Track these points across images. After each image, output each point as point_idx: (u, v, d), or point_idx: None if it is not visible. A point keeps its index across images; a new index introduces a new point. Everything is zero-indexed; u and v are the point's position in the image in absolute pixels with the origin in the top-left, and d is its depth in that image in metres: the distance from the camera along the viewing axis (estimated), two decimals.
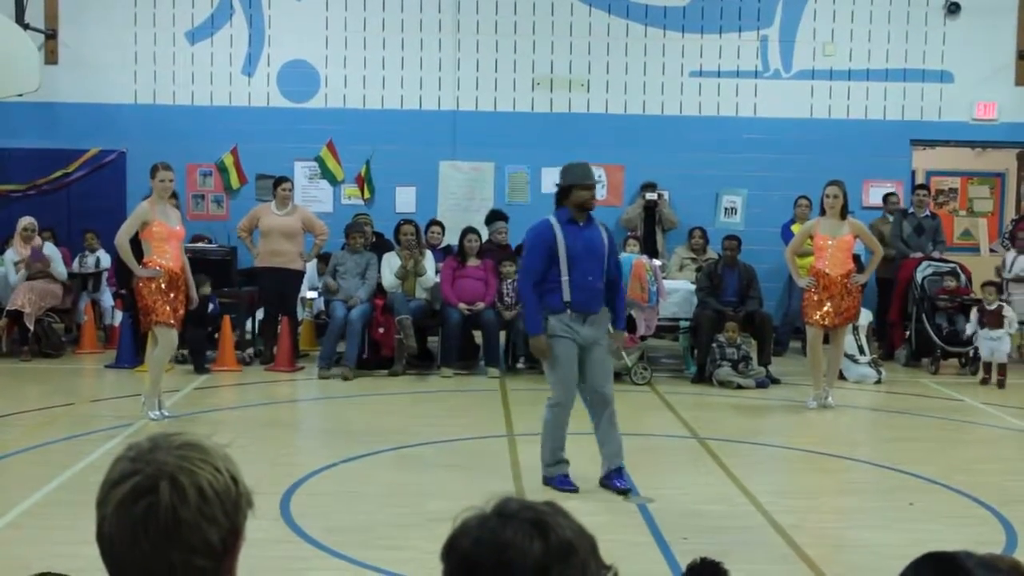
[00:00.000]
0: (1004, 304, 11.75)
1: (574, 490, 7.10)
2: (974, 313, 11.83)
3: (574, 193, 7.09)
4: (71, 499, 6.53)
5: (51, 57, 14.92)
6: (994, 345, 11.64)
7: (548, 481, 7.20)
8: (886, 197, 14.48)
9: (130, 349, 11.82)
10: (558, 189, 7.26)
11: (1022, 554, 5.88)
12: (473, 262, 12.20)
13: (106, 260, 13.60)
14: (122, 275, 11.82)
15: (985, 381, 11.70)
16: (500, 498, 1.65)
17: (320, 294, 13.00)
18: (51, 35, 14.90)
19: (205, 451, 1.72)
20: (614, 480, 7.17)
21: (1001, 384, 11.56)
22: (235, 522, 1.70)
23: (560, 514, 1.64)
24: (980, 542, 4.90)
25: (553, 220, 7.16)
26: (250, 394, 10.83)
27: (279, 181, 12.71)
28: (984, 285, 12.01)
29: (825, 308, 10.12)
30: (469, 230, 12.48)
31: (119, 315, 12.70)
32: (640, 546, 6.12)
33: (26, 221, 12.93)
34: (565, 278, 7.03)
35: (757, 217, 14.81)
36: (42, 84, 14.06)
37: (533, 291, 7.11)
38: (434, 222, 13.35)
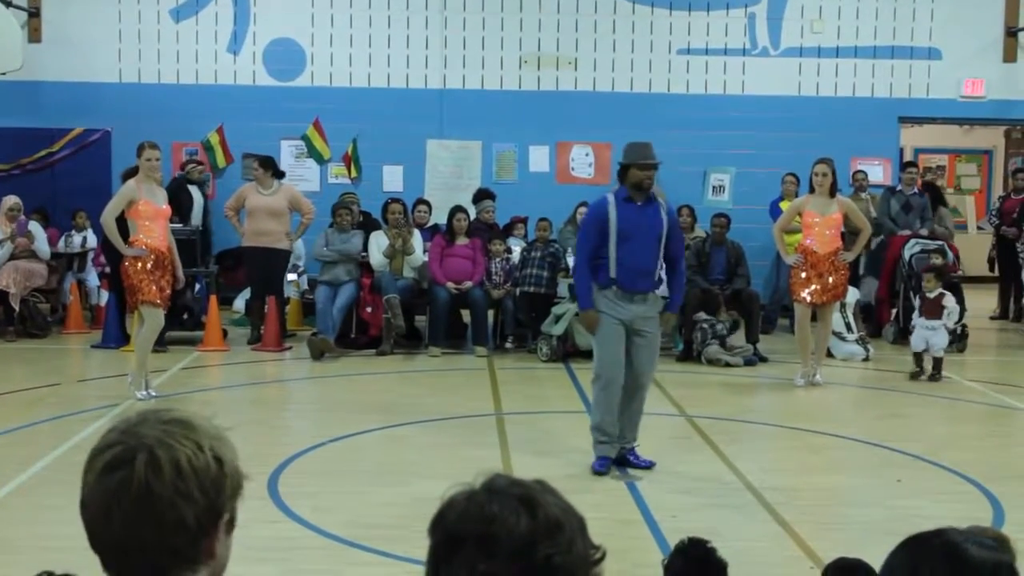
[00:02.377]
0: (946, 293, 10.90)
1: (603, 473, 7.10)
2: (918, 301, 11.04)
3: (631, 172, 7.08)
4: (58, 479, 6.49)
5: (34, 35, 14.82)
6: (929, 335, 10.61)
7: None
8: (854, 175, 14.42)
9: (116, 329, 11.78)
10: (620, 167, 7.25)
11: (1009, 529, 5.90)
12: (461, 240, 12.17)
13: (92, 240, 13.54)
14: (111, 254, 11.78)
15: (916, 375, 10.67)
16: (489, 474, 1.64)
17: (300, 274, 13.15)
18: (34, 13, 14.79)
19: (191, 428, 1.69)
20: (632, 457, 7.24)
21: (935, 378, 10.54)
22: (214, 502, 1.67)
23: (549, 492, 1.63)
24: (967, 518, 4.89)
25: (611, 197, 7.16)
26: (237, 374, 10.81)
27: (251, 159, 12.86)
28: (925, 271, 11.25)
29: (813, 286, 10.13)
30: (458, 209, 12.44)
31: (105, 295, 12.66)
32: (629, 524, 6.12)
33: (11, 201, 12.86)
34: (613, 255, 7.02)
35: (745, 195, 14.81)
36: (25, 63, 13.98)
37: (585, 266, 7.14)
38: (421, 201, 13.26)
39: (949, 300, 10.76)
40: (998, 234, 14.98)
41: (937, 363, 10.61)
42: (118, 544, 1.64)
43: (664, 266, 7.34)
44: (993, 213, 15.34)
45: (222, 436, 1.73)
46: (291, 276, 13.29)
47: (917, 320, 10.81)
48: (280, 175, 12.59)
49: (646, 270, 7.12)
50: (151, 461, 1.63)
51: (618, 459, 7.22)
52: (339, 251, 12.04)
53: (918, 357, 10.74)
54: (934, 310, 10.65)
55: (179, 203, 12.37)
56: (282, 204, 12.25)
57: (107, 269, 12.29)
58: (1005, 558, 1.97)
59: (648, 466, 7.19)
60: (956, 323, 11.39)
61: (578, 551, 1.58)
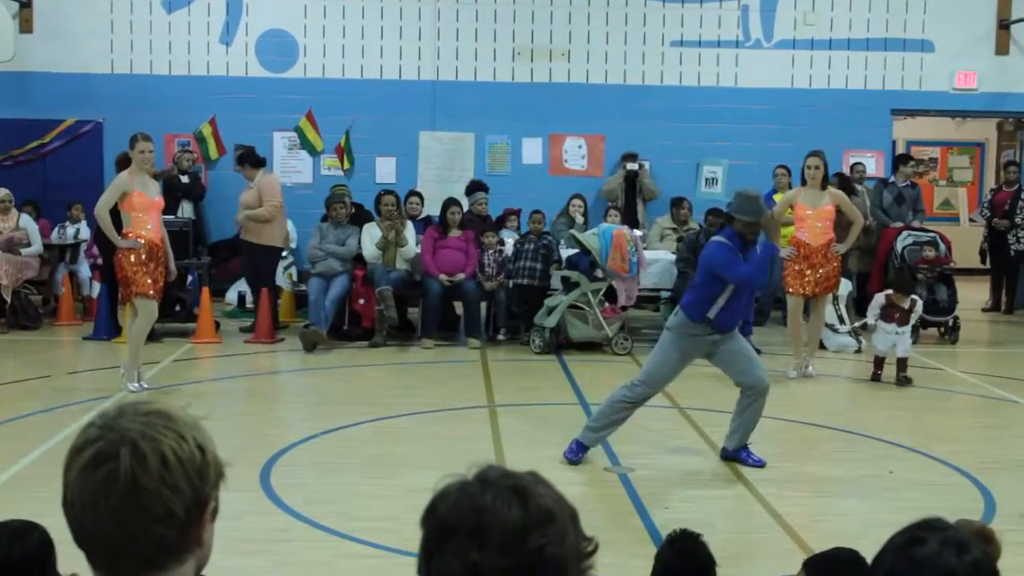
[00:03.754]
0: (916, 299, 10.40)
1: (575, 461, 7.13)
2: (876, 306, 10.32)
3: (739, 223, 7.12)
4: (49, 472, 6.42)
5: (26, 26, 14.75)
6: (897, 339, 10.07)
7: None
8: (853, 166, 14.45)
9: (107, 321, 11.75)
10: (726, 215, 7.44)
11: (1000, 521, 5.92)
12: (454, 232, 12.15)
13: (85, 232, 13.51)
14: (103, 245, 11.76)
15: (876, 377, 10.18)
16: (481, 466, 1.64)
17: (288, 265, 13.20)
18: (26, 3, 14.72)
19: (171, 419, 1.68)
20: (745, 455, 7.26)
21: (904, 382, 9.98)
22: (200, 491, 1.67)
23: (541, 483, 1.62)
24: (959, 509, 4.90)
25: (728, 244, 7.11)
26: (230, 366, 10.79)
27: None
28: (894, 287, 10.46)
29: (806, 278, 10.16)
30: (452, 202, 12.40)
31: (97, 287, 12.63)
32: (621, 515, 6.13)
33: (1, 193, 12.83)
34: (722, 301, 6.98)
35: (738, 187, 14.76)
36: (17, 53, 13.93)
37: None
38: (413, 193, 13.21)
39: (918, 304, 10.38)
40: (990, 226, 15.01)
41: (902, 363, 10.07)
42: (106, 539, 1.64)
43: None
44: (985, 206, 15.37)
45: (200, 425, 1.72)
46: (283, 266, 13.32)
47: (882, 324, 10.18)
48: (257, 164, 12.39)
49: (741, 315, 7.33)
50: (136, 454, 1.62)
51: (730, 455, 7.25)
52: (331, 253, 11.94)
53: (880, 361, 10.23)
54: (906, 318, 10.20)
55: (168, 187, 12.38)
56: (253, 198, 12.15)
57: (99, 261, 12.26)
58: (985, 560, 1.98)
59: (762, 464, 7.16)
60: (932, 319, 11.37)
61: (570, 542, 1.58)
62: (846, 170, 14.12)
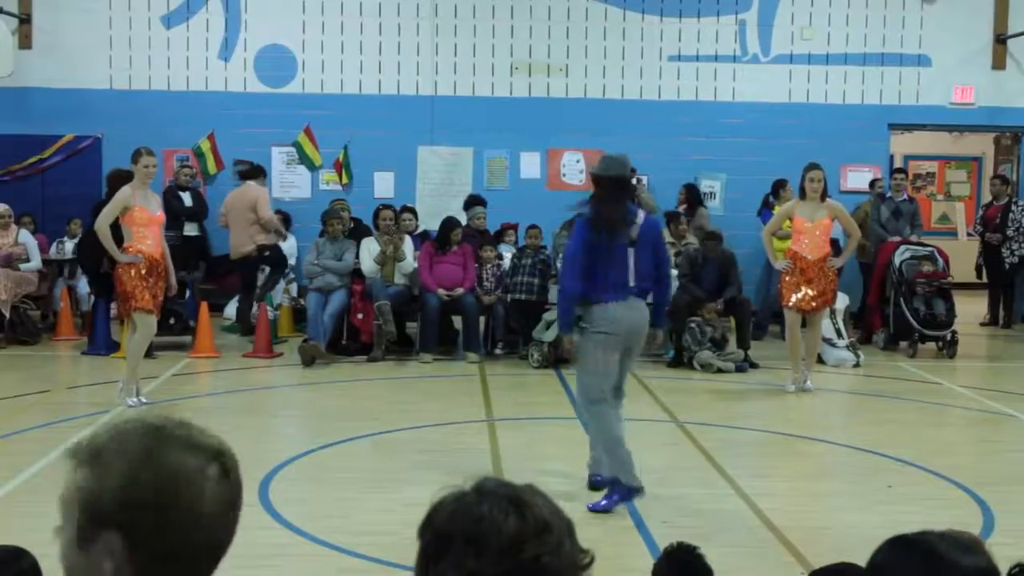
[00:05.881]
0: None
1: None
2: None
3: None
4: (48, 487, 6.46)
5: (25, 42, 14.79)
6: None
7: None
8: (873, 182, 14.55)
9: (106, 335, 11.76)
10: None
11: (1000, 535, 5.92)
12: (451, 247, 12.15)
13: None
14: (89, 259, 11.84)
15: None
16: (479, 477, 1.65)
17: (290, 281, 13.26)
18: (25, 19, 14.76)
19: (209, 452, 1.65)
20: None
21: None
22: (234, 525, 1.69)
23: (538, 495, 1.63)
24: (957, 523, 4.89)
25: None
26: (228, 381, 10.79)
27: None
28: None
29: (801, 291, 10.14)
30: (455, 223, 12.28)
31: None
32: (620, 530, 6.12)
33: (0, 208, 12.84)
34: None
35: (736, 202, 14.83)
36: (16, 69, 13.97)
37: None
38: (406, 208, 13.04)
39: None
40: (983, 241, 15.04)
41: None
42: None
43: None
44: (978, 221, 15.40)
45: (225, 449, 1.69)
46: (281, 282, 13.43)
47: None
48: (248, 176, 13.07)
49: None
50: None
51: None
52: (328, 268, 11.95)
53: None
54: None
55: (171, 210, 12.46)
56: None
57: (86, 273, 12.40)
58: (992, 564, 1.98)
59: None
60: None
61: (567, 553, 1.59)
62: (847, 184, 14.18)
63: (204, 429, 1.67)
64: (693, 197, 14.34)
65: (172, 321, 12.21)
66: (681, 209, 13.89)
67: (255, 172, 13.38)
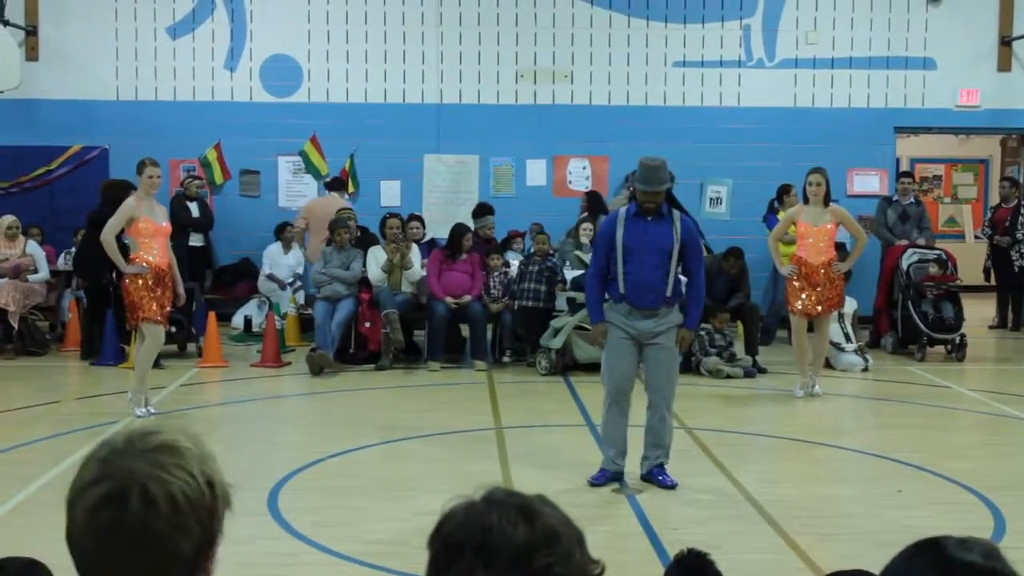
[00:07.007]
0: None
1: (596, 485, 7.09)
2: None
3: (637, 193, 7.17)
4: (56, 499, 6.43)
5: (32, 54, 14.84)
6: None
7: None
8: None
9: (114, 346, 11.77)
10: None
11: (1011, 539, 5.90)
12: (462, 254, 12.14)
13: None
14: (86, 270, 11.89)
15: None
16: (488, 487, 1.64)
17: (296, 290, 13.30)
18: (32, 31, 14.81)
19: (180, 455, 1.64)
20: (656, 475, 7.15)
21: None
22: (209, 529, 1.64)
23: (548, 504, 1.63)
24: (969, 528, 4.88)
25: (622, 212, 7.17)
26: (236, 390, 10.79)
27: None
28: None
29: (808, 297, 10.10)
30: (465, 229, 12.28)
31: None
32: (630, 537, 6.11)
33: (9, 219, 12.87)
34: (620, 270, 7.03)
35: (743, 207, 14.82)
36: (23, 81, 14.01)
37: (594, 280, 7.19)
38: (414, 217, 13.03)
39: None
40: (992, 244, 15.02)
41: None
42: None
43: (684, 281, 7.32)
44: (986, 223, 15.37)
45: (206, 454, 1.68)
46: (288, 291, 13.48)
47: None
48: (333, 187, 14.14)
49: (652, 286, 7.06)
50: (145, 497, 1.58)
51: (644, 476, 7.19)
52: (336, 277, 11.96)
53: None
54: None
55: (178, 220, 12.47)
56: None
57: (84, 287, 12.43)
58: (1012, 571, 1.97)
59: (671, 485, 7.07)
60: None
61: (576, 562, 1.59)
62: (854, 188, 14.15)
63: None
64: (595, 205, 14.02)
65: (174, 330, 12.12)
66: (582, 216, 13.50)
67: (339, 184, 14.22)
